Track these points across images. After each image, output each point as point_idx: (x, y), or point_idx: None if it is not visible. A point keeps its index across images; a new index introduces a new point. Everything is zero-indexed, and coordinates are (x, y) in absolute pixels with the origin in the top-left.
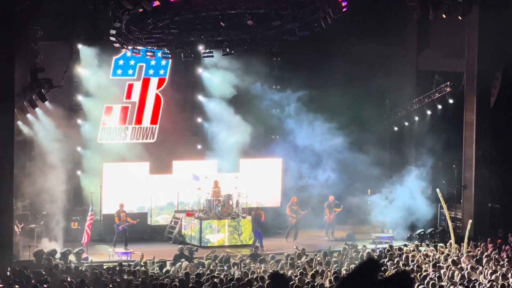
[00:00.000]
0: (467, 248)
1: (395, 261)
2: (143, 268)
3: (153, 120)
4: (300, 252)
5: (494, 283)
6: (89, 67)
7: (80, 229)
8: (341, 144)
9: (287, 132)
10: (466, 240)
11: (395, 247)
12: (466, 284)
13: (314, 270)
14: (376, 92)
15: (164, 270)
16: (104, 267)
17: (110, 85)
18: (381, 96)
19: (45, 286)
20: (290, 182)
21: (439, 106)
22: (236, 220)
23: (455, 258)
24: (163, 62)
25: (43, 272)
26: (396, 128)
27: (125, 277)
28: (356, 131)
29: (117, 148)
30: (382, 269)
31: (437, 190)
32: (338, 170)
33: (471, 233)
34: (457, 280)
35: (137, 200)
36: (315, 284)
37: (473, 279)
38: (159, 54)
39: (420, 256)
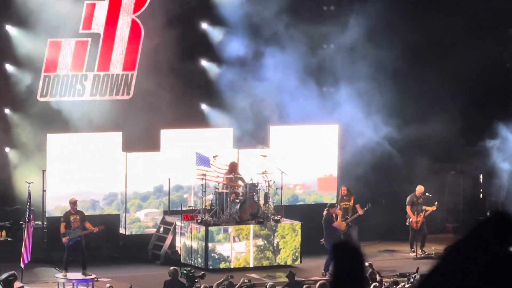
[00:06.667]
0: None
1: None
2: None
3: (128, 65)
4: (367, 276)
5: None
6: None
7: (11, 242)
8: (434, 103)
9: (348, 80)
10: None
11: None
12: None
13: None
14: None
15: None
16: None
17: (57, 6)
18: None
19: None
20: (350, 162)
21: None
22: (268, 226)
23: None
24: None
25: None
26: None
27: None
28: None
29: (69, 109)
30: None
31: None
32: (428, 144)
33: None
34: None
35: (103, 187)
36: None
37: None
38: None
39: None
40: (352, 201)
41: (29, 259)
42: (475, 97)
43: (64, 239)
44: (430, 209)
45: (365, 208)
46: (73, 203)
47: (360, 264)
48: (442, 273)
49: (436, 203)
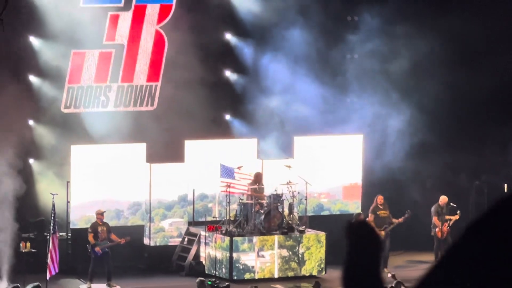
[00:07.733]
0: None
1: None
2: None
3: (152, 75)
4: (393, 286)
5: None
6: None
7: (36, 253)
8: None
9: (374, 89)
10: None
11: None
12: None
13: None
14: None
15: None
16: None
17: (80, 17)
18: None
19: None
20: (376, 171)
21: None
22: (293, 237)
23: None
24: None
25: None
26: None
27: None
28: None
29: (93, 121)
30: None
31: None
32: (452, 153)
33: None
34: None
35: (127, 197)
36: None
37: None
38: None
39: None
40: (387, 210)
41: (56, 271)
42: (501, 106)
43: (97, 249)
44: (454, 218)
45: (406, 216)
46: (101, 214)
47: (376, 246)
48: (467, 245)
49: (458, 212)
